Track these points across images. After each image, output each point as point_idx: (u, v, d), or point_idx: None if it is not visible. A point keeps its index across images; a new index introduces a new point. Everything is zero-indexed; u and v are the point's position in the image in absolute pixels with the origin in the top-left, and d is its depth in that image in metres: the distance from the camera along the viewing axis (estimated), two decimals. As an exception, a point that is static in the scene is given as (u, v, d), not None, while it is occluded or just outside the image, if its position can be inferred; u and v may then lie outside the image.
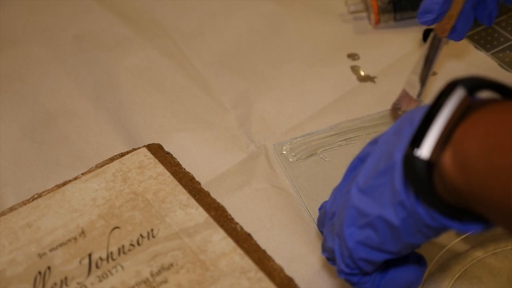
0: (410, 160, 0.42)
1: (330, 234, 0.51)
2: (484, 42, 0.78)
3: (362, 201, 0.47)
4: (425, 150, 0.41)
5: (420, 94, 0.68)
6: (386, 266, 0.51)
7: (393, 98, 0.73)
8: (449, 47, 0.78)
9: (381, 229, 0.46)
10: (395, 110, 0.70)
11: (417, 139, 0.41)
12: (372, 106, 0.72)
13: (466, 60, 0.76)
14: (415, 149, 0.41)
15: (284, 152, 0.69)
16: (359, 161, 0.50)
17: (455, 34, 0.65)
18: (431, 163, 0.41)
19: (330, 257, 0.52)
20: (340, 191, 0.50)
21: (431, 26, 0.66)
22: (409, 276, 0.52)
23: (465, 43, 0.78)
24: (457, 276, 0.59)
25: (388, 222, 0.45)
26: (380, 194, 0.46)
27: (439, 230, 0.44)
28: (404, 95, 0.69)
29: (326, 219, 0.52)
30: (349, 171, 0.51)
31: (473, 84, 0.42)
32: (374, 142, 0.49)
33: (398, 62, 0.76)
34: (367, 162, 0.47)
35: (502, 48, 0.77)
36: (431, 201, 0.42)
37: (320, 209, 0.60)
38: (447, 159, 0.41)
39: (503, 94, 0.42)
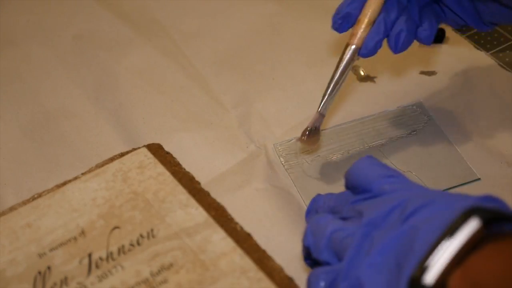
0: (414, 283, 0.42)
1: None
2: (484, 42, 0.78)
3: (368, 277, 0.46)
4: (429, 277, 0.42)
5: (320, 106, 0.62)
6: None
7: (393, 98, 0.73)
8: (448, 47, 0.78)
9: None
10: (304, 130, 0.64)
11: (424, 264, 0.42)
12: (372, 106, 0.72)
13: (466, 60, 0.76)
14: (421, 274, 0.42)
15: (284, 152, 0.69)
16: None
17: (364, 48, 0.60)
18: None
19: None
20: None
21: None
22: None
23: (465, 43, 0.78)
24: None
25: None
26: (386, 279, 0.46)
27: None
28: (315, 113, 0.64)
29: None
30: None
31: (489, 215, 0.42)
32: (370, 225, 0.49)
33: (398, 62, 0.76)
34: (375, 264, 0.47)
35: (502, 48, 0.77)
36: None
37: (311, 203, 0.59)
38: (455, 284, 0.42)
39: None
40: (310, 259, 0.54)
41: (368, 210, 0.49)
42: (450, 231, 0.43)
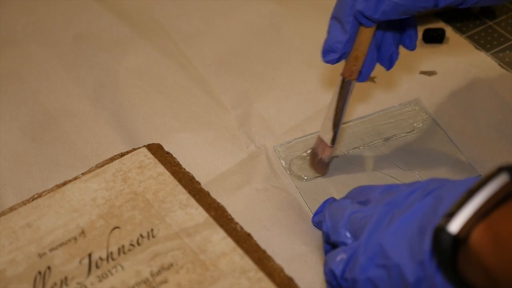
0: (439, 231, 0.43)
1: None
2: (484, 42, 0.78)
3: (390, 242, 0.47)
4: (455, 225, 0.42)
5: (333, 140, 0.64)
6: None
7: (393, 98, 0.73)
8: (448, 47, 0.78)
9: (394, 278, 0.46)
10: (313, 157, 0.66)
11: (451, 213, 0.43)
12: (372, 106, 0.72)
13: (466, 60, 0.76)
14: (447, 222, 0.43)
15: (284, 154, 0.69)
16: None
17: (360, 76, 0.62)
18: (459, 239, 0.42)
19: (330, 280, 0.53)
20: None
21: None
22: None
23: (465, 43, 0.78)
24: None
25: (402, 275, 0.46)
26: (409, 243, 0.46)
27: None
28: (320, 141, 0.65)
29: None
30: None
31: None
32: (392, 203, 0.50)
33: (398, 62, 0.76)
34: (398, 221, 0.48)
35: (502, 48, 0.77)
36: (450, 275, 0.43)
37: (318, 212, 0.60)
38: (478, 236, 0.42)
39: None
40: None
41: (390, 193, 0.50)
42: (479, 185, 0.43)
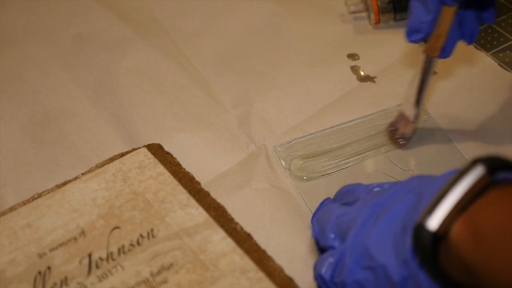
0: (418, 228, 0.43)
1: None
2: (484, 42, 0.78)
3: (375, 243, 0.47)
4: (433, 222, 0.43)
5: (416, 116, 0.67)
6: None
7: (393, 98, 0.73)
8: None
9: (380, 278, 0.46)
10: (393, 132, 0.68)
11: (429, 210, 0.43)
12: (372, 106, 0.72)
13: (466, 60, 0.76)
14: (425, 219, 0.43)
15: (284, 154, 0.69)
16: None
17: (444, 53, 0.64)
18: (439, 236, 0.43)
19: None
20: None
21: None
22: None
23: (465, 43, 0.78)
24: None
25: (388, 275, 0.46)
26: (393, 243, 0.46)
27: None
28: (401, 117, 0.68)
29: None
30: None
31: (494, 163, 0.43)
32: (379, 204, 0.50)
33: (398, 62, 0.76)
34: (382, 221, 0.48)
35: (502, 48, 0.77)
36: (432, 271, 0.43)
37: (317, 210, 0.60)
38: (457, 231, 0.42)
39: None
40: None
41: (375, 194, 0.51)
42: (455, 180, 0.43)
